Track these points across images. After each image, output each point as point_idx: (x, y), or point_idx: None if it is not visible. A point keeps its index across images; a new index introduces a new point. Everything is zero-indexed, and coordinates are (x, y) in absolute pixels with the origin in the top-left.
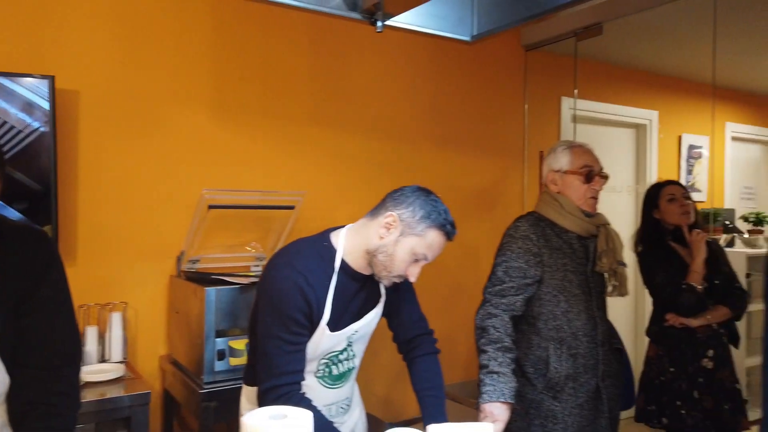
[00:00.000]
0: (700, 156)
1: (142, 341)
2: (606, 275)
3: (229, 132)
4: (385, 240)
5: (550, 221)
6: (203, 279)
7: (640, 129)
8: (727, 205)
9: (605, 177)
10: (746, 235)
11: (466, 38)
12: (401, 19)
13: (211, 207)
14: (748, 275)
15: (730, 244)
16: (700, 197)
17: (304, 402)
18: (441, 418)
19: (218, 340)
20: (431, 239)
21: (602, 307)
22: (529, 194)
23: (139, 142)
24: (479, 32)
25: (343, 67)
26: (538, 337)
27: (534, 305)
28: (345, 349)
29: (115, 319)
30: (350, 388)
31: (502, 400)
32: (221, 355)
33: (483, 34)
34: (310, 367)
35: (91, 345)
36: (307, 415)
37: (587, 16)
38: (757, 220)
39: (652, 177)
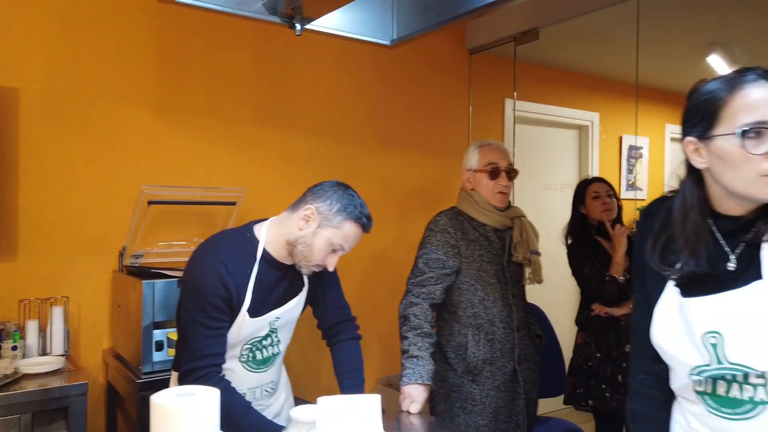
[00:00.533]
0: (640, 156)
1: (85, 335)
2: (523, 264)
3: (172, 130)
4: (304, 231)
5: (467, 216)
6: (143, 273)
7: (582, 130)
8: None
9: (512, 173)
10: None
11: (386, 42)
12: (322, 24)
13: (151, 203)
14: None
15: None
16: (641, 195)
17: (222, 383)
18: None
19: (156, 331)
20: (347, 231)
21: (518, 295)
22: None
23: (80, 138)
24: (399, 36)
25: (288, 69)
26: (458, 324)
27: (454, 294)
28: (268, 335)
29: (57, 314)
30: (275, 373)
31: (420, 381)
32: (159, 346)
33: (402, 38)
34: (234, 352)
35: (31, 339)
36: (214, 394)
37: (524, 21)
38: None
39: (594, 175)
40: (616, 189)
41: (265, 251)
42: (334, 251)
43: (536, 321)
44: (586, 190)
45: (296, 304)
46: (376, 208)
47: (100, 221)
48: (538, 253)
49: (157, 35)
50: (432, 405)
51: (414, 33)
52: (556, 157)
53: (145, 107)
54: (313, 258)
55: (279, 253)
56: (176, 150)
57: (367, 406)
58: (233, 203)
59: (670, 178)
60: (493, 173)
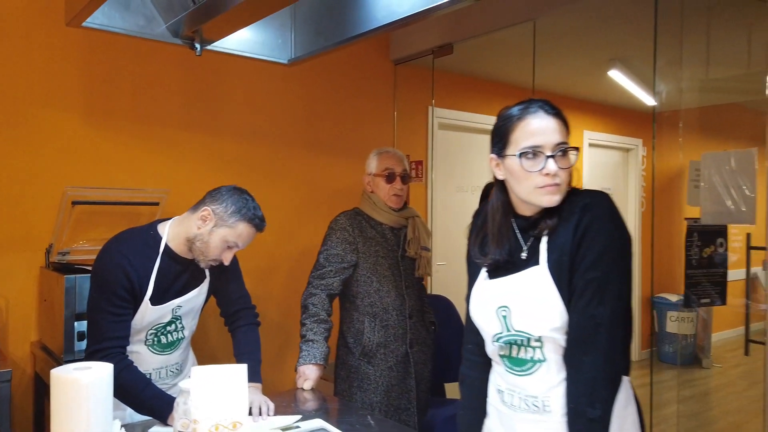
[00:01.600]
0: None
1: (14, 329)
2: (415, 259)
3: (99, 133)
4: (201, 230)
5: (366, 215)
6: (67, 269)
7: None
8: None
9: (407, 178)
10: None
11: (284, 61)
12: (223, 45)
13: (75, 203)
14: None
15: None
16: None
17: (124, 362)
18: (255, 378)
19: (78, 322)
20: (241, 230)
21: (412, 286)
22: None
23: (5, 139)
24: (296, 56)
25: (215, 74)
26: (357, 313)
27: (352, 286)
28: (172, 322)
29: None
30: (180, 356)
31: (313, 362)
32: (81, 336)
33: (299, 57)
34: (140, 337)
35: None
36: (108, 368)
37: (440, 36)
38: None
39: None
40: None
41: (167, 247)
42: (229, 248)
43: (432, 310)
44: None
45: (197, 294)
46: (305, 207)
47: (29, 221)
48: (428, 250)
49: (85, 41)
50: (334, 385)
51: (310, 53)
52: (480, 161)
53: (72, 110)
54: (210, 254)
55: (180, 249)
56: (104, 153)
57: (235, 375)
58: (157, 203)
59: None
60: (389, 177)
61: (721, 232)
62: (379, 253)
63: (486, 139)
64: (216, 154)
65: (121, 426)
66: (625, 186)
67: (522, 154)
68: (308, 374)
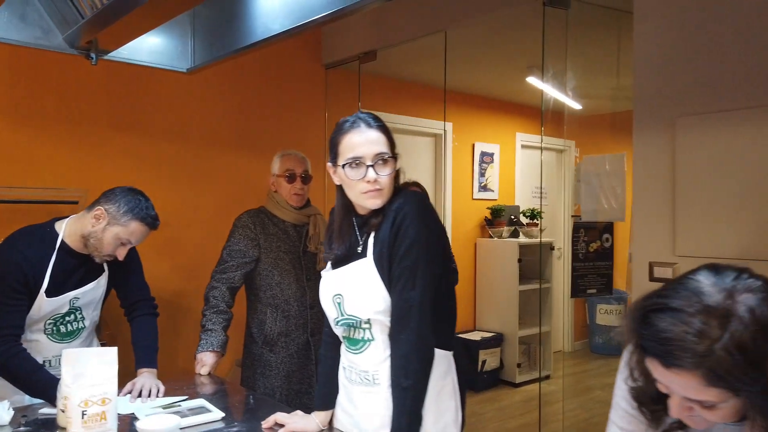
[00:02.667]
0: (492, 161)
1: None
2: (316, 253)
3: (22, 134)
4: (95, 228)
5: (270, 213)
6: None
7: (437, 138)
8: (520, 203)
9: (307, 179)
10: (526, 228)
11: (183, 70)
12: (120, 54)
13: None
14: (519, 260)
15: (514, 234)
16: (493, 196)
17: (15, 348)
18: (151, 364)
19: None
20: (133, 228)
21: (313, 278)
22: (329, 192)
23: None
24: (195, 65)
25: (145, 78)
26: (260, 304)
27: (256, 279)
28: (71, 312)
29: None
30: (82, 344)
31: (211, 349)
32: None
33: (198, 66)
34: (38, 326)
35: None
36: None
37: (365, 44)
38: (533, 215)
39: (448, 179)
40: (469, 190)
41: (63, 242)
42: (122, 244)
43: None
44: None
45: (95, 287)
46: (235, 205)
47: None
48: None
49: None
50: (241, 373)
51: (207, 61)
52: (415, 162)
53: None
54: (104, 250)
55: (76, 245)
56: (25, 153)
57: (104, 356)
58: (76, 202)
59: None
60: (290, 178)
61: (608, 228)
62: (280, 248)
63: (428, 142)
64: (141, 154)
65: (11, 407)
66: (560, 186)
67: (346, 165)
68: (205, 360)
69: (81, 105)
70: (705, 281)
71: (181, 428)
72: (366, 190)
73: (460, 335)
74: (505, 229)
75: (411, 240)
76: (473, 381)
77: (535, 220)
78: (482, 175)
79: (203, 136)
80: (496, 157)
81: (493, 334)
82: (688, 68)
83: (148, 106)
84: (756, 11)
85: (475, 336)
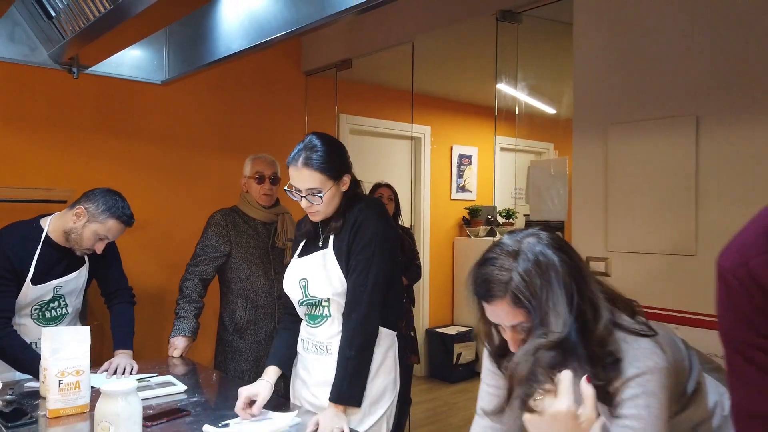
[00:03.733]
0: (470, 163)
1: None
2: (284, 249)
3: (15, 140)
4: (75, 224)
5: (241, 211)
6: None
7: (416, 141)
8: (499, 204)
9: (276, 180)
10: (502, 227)
11: (158, 82)
12: (99, 68)
13: None
14: None
15: (491, 233)
16: (471, 196)
17: (6, 330)
18: (127, 346)
19: None
20: (110, 226)
21: (281, 271)
22: None
23: None
24: (169, 77)
25: (128, 87)
26: (232, 295)
27: (227, 272)
28: (55, 299)
29: None
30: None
31: (182, 334)
32: None
33: (172, 78)
34: (26, 311)
35: None
36: None
37: (340, 53)
38: (508, 215)
39: (426, 180)
40: (448, 191)
41: (47, 237)
42: (100, 240)
43: None
44: (374, 191)
45: (77, 276)
46: (218, 204)
47: None
48: (292, 241)
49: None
50: (214, 358)
51: (181, 74)
52: (395, 163)
53: None
54: (83, 244)
55: (59, 239)
56: (20, 156)
57: (78, 334)
58: (65, 201)
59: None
60: (260, 180)
61: (559, 226)
62: (250, 244)
63: (407, 145)
64: (131, 158)
65: (1, 382)
66: None
67: (287, 189)
68: (177, 344)
69: (68, 113)
70: (506, 238)
71: (148, 398)
72: (305, 210)
73: (437, 329)
74: (482, 228)
75: (367, 239)
76: (448, 373)
77: (510, 220)
78: (460, 176)
79: (188, 140)
80: (474, 159)
81: (468, 328)
82: (619, 80)
83: (132, 112)
84: (679, 30)
85: (451, 330)
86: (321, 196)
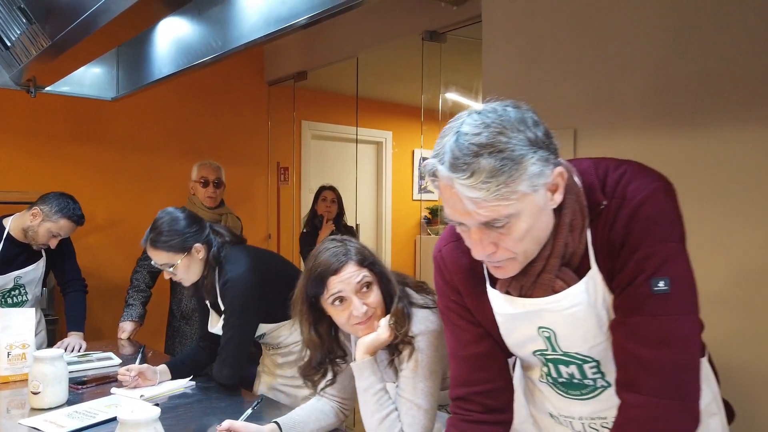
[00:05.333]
0: None
1: None
2: None
3: None
4: (32, 223)
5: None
6: None
7: (378, 145)
8: None
9: (219, 184)
10: None
11: (108, 98)
12: (54, 88)
13: None
14: None
15: None
16: (433, 197)
17: None
18: (78, 328)
19: None
20: (62, 224)
21: None
22: (271, 194)
23: None
24: (119, 94)
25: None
26: (179, 286)
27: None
28: (16, 288)
29: None
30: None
31: (130, 319)
32: None
33: (122, 95)
34: None
35: None
36: None
37: (297, 65)
38: None
39: (388, 182)
40: (409, 192)
41: (8, 234)
42: (54, 236)
43: None
44: (319, 194)
45: (35, 268)
46: (183, 205)
47: None
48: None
49: None
50: (165, 342)
51: (129, 91)
52: (358, 167)
53: None
54: (39, 240)
55: (18, 236)
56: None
57: (24, 315)
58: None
59: None
60: (204, 184)
61: None
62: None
63: (371, 149)
64: (94, 162)
65: None
66: None
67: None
68: (125, 328)
69: (37, 124)
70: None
71: (86, 369)
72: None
73: None
74: (441, 227)
75: (227, 304)
76: None
77: None
78: (422, 178)
79: (155, 146)
80: None
81: None
82: (516, 96)
83: (94, 123)
84: (563, 56)
85: None
86: (172, 270)
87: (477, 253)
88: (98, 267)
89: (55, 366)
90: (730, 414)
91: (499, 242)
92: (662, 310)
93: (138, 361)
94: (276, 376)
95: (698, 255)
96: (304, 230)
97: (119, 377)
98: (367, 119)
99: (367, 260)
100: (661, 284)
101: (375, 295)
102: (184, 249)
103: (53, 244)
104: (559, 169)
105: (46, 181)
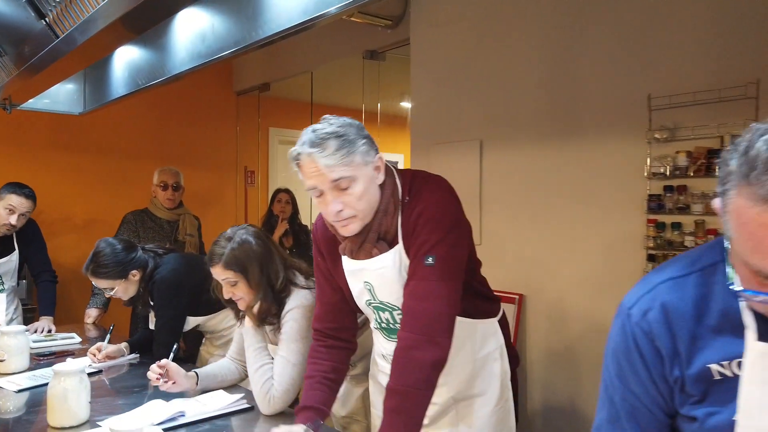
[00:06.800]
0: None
1: None
2: (185, 242)
3: None
4: None
5: (150, 212)
6: None
7: None
8: None
9: (178, 188)
10: None
11: (76, 113)
12: (27, 105)
13: None
14: None
15: None
16: None
17: None
18: (48, 313)
19: None
20: (12, 199)
21: None
22: (239, 195)
23: None
24: (86, 109)
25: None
26: None
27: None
28: None
29: None
30: (1, 303)
31: (96, 306)
32: None
33: (89, 109)
34: None
35: None
36: None
37: (261, 77)
38: None
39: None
40: None
41: None
42: (11, 212)
43: None
44: (275, 196)
45: (8, 260)
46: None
47: None
48: (192, 236)
49: None
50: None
51: (100, 104)
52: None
53: None
54: (1, 221)
55: None
56: None
57: None
58: None
59: None
60: (164, 187)
61: None
62: (156, 238)
63: None
64: (79, 168)
65: None
66: None
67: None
68: (90, 314)
69: (16, 136)
70: (230, 230)
71: (50, 345)
72: None
73: None
74: None
75: (157, 296)
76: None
77: None
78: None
79: (129, 152)
80: (400, 165)
81: None
82: (437, 111)
83: (73, 131)
84: (471, 78)
85: None
86: (112, 293)
87: (329, 214)
88: (75, 261)
89: (18, 339)
90: (514, 360)
91: (345, 201)
92: (428, 277)
93: (107, 340)
94: (214, 356)
95: (578, 240)
96: (261, 229)
97: (88, 354)
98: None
99: (234, 264)
100: (430, 260)
101: (241, 289)
102: (122, 276)
103: (14, 220)
104: (380, 155)
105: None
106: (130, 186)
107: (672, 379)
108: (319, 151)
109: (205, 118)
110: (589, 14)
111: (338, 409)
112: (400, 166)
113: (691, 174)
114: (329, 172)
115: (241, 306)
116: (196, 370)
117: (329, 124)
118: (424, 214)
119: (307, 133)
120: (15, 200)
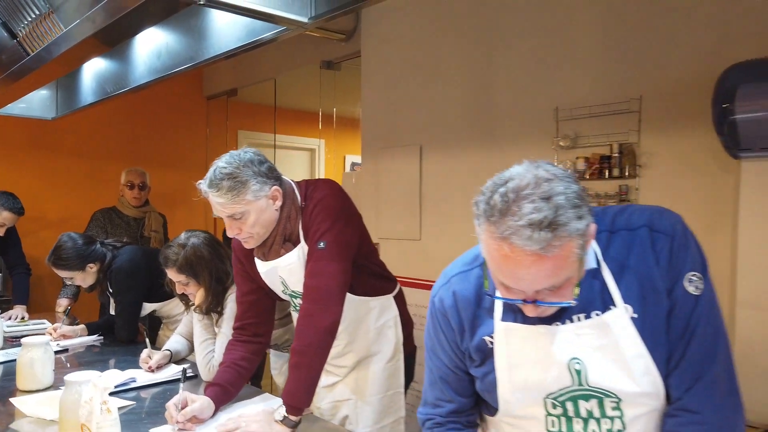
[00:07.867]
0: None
1: None
2: (150, 237)
3: None
4: None
5: (118, 210)
6: None
7: (312, 152)
8: None
9: (144, 187)
10: None
11: (49, 118)
12: (6, 110)
13: None
14: None
15: None
16: None
17: None
18: (23, 302)
19: None
20: (5, 215)
21: None
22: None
23: None
24: (59, 114)
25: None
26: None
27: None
28: None
29: None
30: None
31: (65, 296)
32: None
33: (61, 114)
34: None
35: None
36: None
37: (228, 83)
38: None
39: None
40: None
41: None
42: (0, 226)
43: None
44: None
45: None
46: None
47: None
48: (157, 232)
49: None
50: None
51: (71, 110)
52: (294, 172)
53: None
54: None
55: None
56: None
57: None
58: None
59: None
60: (130, 186)
61: None
62: (122, 234)
63: (305, 156)
64: (58, 171)
65: None
66: None
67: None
68: (61, 303)
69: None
70: (182, 235)
71: (23, 330)
72: None
73: None
74: None
75: (115, 284)
76: None
77: None
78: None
79: (101, 155)
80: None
81: None
82: (383, 118)
83: (48, 134)
84: (411, 89)
85: None
86: (71, 282)
87: (230, 234)
88: None
89: None
90: (408, 326)
91: (241, 227)
92: (321, 258)
93: (63, 322)
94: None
95: None
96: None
97: (45, 332)
98: (301, 128)
99: (186, 269)
100: (322, 245)
101: (192, 288)
102: (80, 267)
103: (1, 232)
104: (275, 186)
105: (2, 185)
106: (101, 186)
107: (463, 348)
108: (214, 191)
109: (177, 121)
110: (506, 36)
111: (278, 378)
112: None
113: (587, 177)
114: (223, 208)
115: (194, 300)
116: (168, 348)
117: (228, 164)
118: (315, 210)
119: (210, 171)
120: (9, 218)
